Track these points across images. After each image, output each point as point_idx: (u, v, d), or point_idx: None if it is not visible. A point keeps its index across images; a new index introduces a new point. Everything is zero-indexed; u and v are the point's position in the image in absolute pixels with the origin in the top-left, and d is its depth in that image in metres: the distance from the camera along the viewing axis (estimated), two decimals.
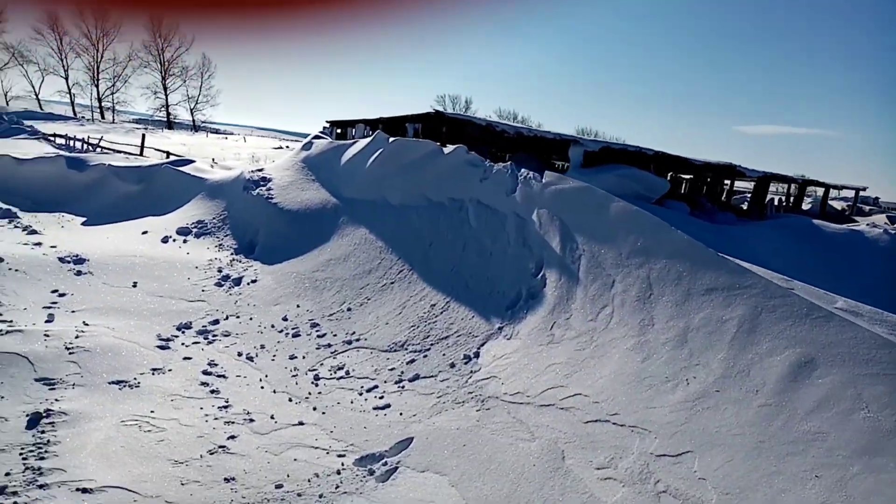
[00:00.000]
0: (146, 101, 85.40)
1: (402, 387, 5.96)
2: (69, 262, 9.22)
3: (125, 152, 26.62)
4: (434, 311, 7.29)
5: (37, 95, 78.31)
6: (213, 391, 5.93)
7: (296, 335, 7.50)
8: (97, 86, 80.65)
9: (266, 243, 10.97)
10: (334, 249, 9.69)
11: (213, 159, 30.54)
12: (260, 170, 14.12)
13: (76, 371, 5.80)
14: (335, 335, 7.38)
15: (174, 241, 11.46)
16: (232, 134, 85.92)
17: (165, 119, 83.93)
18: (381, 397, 5.84)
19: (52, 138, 31.71)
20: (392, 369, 6.36)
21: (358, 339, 7.15)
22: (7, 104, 71.98)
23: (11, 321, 6.77)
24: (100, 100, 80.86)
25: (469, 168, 9.21)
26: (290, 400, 5.88)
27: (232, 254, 10.85)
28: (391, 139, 11.03)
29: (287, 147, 70.58)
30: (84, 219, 15.05)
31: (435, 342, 6.68)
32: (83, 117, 69.68)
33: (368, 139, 11.79)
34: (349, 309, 7.96)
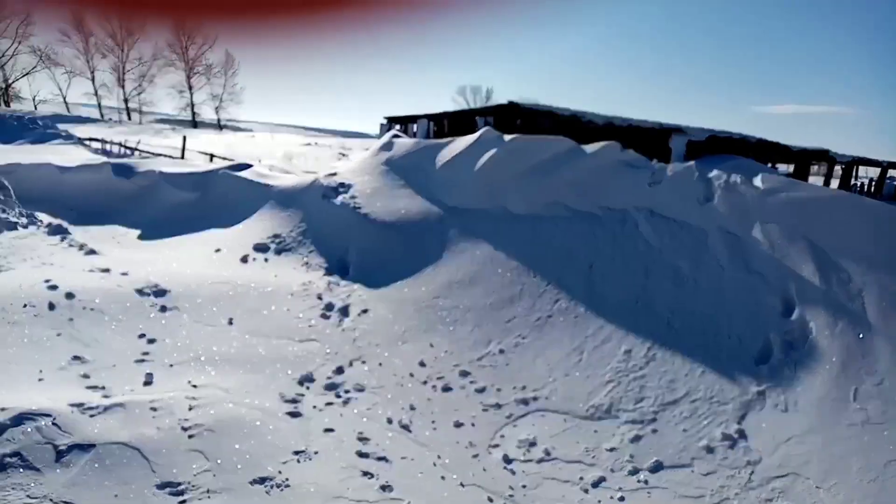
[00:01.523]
0: (171, 100, 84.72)
1: (644, 481, 4.43)
2: (149, 294, 7.83)
3: (166, 155, 25.36)
4: (634, 359, 5.75)
5: (64, 98, 77.99)
6: (383, 487, 4.45)
7: (446, 389, 6.00)
8: (123, 86, 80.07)
9: (361, 262, 9.50)
10: (452, 270, 8.18)
11: (259, 160, 29.26)
12: (333, 174, 12.65)
13: (205, 466, 4.36)
14: (499, 390, 5.87)
15: (254, 260, 10.03)
16: (250, 131, 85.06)
17: (191, 118, 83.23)
18: (622, 499, 4.30)
19: (87, 143, 30.66)
20: (612, 449, 4.83)
21: (535, 398, 5.64)
22: (35, 108, 71.68)
23: (104, 387, 5.37)
24: (126, 100, 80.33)
25: (627, 170, 7.66)
26: (491, 501, 4.37)
27: (324, 274, 9.39)
28: (508, 137, 9.47)
29: (316, 144, 69.32)
30: (138, 232, 13.76)
31: (659, 409, 5.15)
32: (110, 119, 69.18)
33: (472, 137, 10.24)
34: (501, 351, 6.45)
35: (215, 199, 14.49)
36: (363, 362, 6.59)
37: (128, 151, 27.52)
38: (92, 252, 10.43)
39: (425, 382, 6.10)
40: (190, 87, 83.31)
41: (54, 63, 74.86)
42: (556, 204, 8.18)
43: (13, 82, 74.70)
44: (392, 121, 19.36)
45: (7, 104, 71.09)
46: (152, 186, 16.26)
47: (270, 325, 7.42)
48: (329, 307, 8.08)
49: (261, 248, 10.58)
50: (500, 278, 7.52)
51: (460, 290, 7.65)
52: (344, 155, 55.94)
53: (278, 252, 10.41)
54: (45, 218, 13.78)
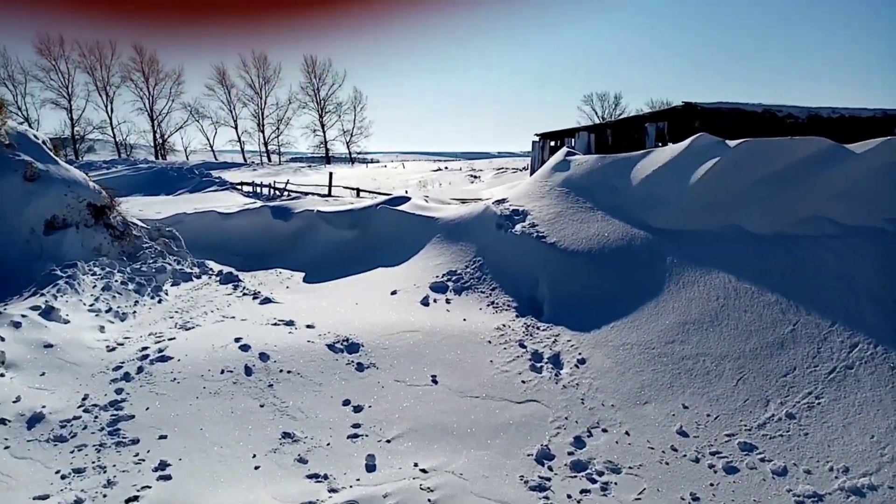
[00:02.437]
0: (306, 139, 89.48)
1: None
2: (342, 350, 7.14)
3: (315, 193, 25.82)
4: None
5: (211, 146, 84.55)
6: None
7: (730, 469, 4.67)
8: (263, 131, 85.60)
9: (556, 299, 8.36)
10: (683, 307, 6.82)
11: (406, 189, 29.30)
12: (503, 200, 11.70)
13: None
14: (808, 472, 4.45)
15: (435, 301, 9.20)
16: (378, 162, 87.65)
17: (324, 154, 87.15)
18: None
19: (239, 187, 32.18)
20: None
21: (869, 485, 4.17)
22: (187, 158, 78.15)
23: (327, 476, 4.56)
24: (266, 144, 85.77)
25: None
26: None
27: (517, 315, 8.35)
28: (733, 142, 8.02)
29: (446, 168, 69.90)
30: (302, 274, 13.52)
31: None
32: (253, 162, 73.78)
33: (680, 146, 8.86)
34: (791, 416, 5.02)
35: (376, 235, 14.04)
36: (604, 430, 5.40)
37: (278, 193, 28.45)
38: (267, 301, 10.11)
39: (697, 460, 4.79)
40: (322, 126, 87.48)
41: (202, 116, 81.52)
42: (815, 219, 6.64)
43: (168, 136, 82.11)
44: (545, 137, 18.25)
45: (164, 157, 78.13)
46: (310, 226, 16.20)
47: (478, 382, 6.44)
48: (537, 357, 7.00)
49: (439, 287, 9.76)
50: (757, 317, 6.07)
51: (702, 332, 6.27)
52: (476, 177, 55.66)
53: (458, 291, 9.53)
54: (214, 266, 13.94)
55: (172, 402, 5.86)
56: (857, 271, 6.03)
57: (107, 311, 9.31)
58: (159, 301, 10.51)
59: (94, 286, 10.22)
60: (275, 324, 8.33)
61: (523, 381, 6.40)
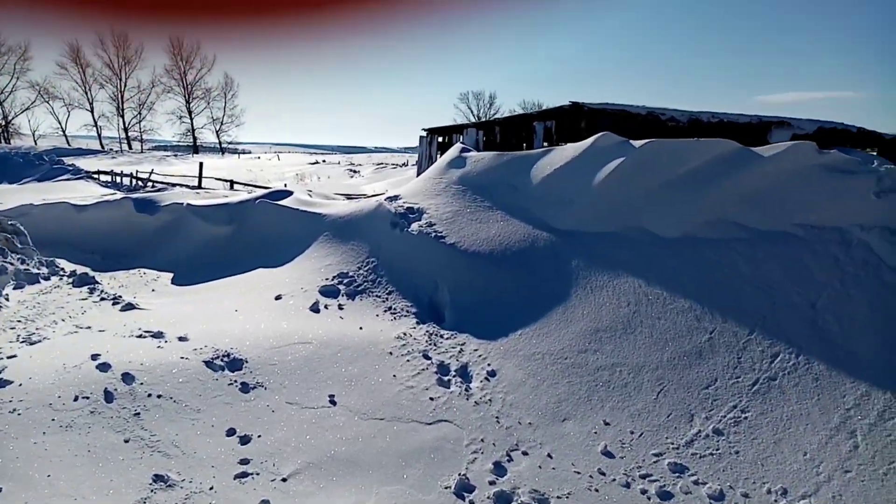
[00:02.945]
0: (171, 126, 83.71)
1: None
2: (221, 366, 6.24)
3: (184, 185, 23.82)
4: None
5: (64, 131, 76.95)
6: None
7: (665, 495, 4.37)
8: (123, 116, 79.02)
9: (458, 303, 7.90)
10: (593, 313, 6.56)
11: (283, 182, 27.70)
12: (395, 197, 11.07)
13: None
14: (746, 496, 4.23)
15: (326, 307, 8.43)
16: (250, 153, 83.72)
17: (192, 143, 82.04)
18: None
19: (96, 176, 29.20)
20: None
21: None
22: (35, 143, 70.56)
23: None
24: (126, 130, 79.33)
25: (831, 176, 6.04)
26: None
27: (416, 322, 7.79)
28: (638, 142, 7.87)
29: (323, 161, 67.88)
30: (171, 275, 12.22)
31: None
32: (111, 149, 67.95)
33: (582, 145, 8.63)
34: (718, 431, 4.82)
35: (255, 233, 12.95)
36: (524, 453, 4.96)
37: (140, 183, 26.01)
38: (130, 307, 8.91)
39: (628, 485, 4.46)
40: (190, 112, 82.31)
41: (53, 97, 73.88)
42: (723, 223, 6.60)
43: (13, 118, 73.72)
44: (433, 132, 17.82)
45: (8, 141, 70.12)
46: (179, 221, 14.76)
47: (381, 401, 5.82)
48: (443, 369, 6.47)
49: (329, 291, 8.99)
50: (671, 324, 5.89)
51: (615, 340, 6.02)
52: (355, 171, 54.49)
53: (351, 296, 8.82)
54: (66, 265, 12.32)
55: (10, 442, 4.75)
56: (771, 277, 6.03)
57: None
58: None
59: None
60: (140, 336, 7.22)
61: (431, 399, 5.85)
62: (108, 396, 5.50)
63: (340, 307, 8.39)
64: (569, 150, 8.74)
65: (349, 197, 17.07)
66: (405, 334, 7.32)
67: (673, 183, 7.27)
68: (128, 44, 77.75)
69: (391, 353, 6.82)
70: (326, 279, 9.38)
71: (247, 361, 6.36)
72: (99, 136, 78.30)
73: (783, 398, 4.94)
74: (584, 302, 6.73)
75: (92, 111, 77.44)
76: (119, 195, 18.01)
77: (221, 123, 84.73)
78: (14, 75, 72.58)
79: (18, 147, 54.83)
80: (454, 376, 6.28)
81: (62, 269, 11.85)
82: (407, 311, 8.09)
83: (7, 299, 9.53)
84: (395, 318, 7.94)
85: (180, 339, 7.01)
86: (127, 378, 5.79)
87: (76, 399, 5.37)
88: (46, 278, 11.10)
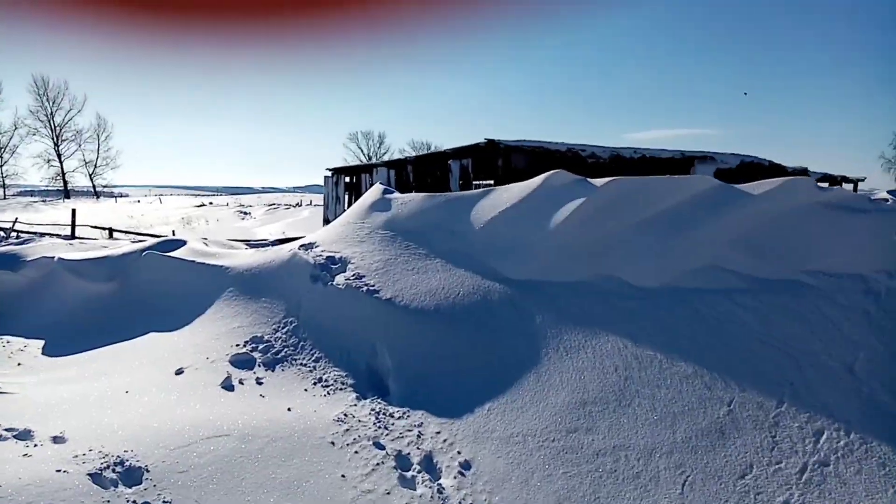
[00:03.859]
0: (38, 170, 76.68)
1: None
2: (114, 481, 4.71)
3: (55, 234, 21.03)
4: None
5: None
6: None
7: None
8: None
9: (405, 371, 6.72)
10: (572, 381, 5.59)
11: (170, 228, 25.23)
12: (310, 245, 9.75)
13: None
14: None
15: (242, 383, 6.98)
16: (127, 196, 78.25)
17: (62, 188, 75.63)
18: None
19: None
20: None
21: None
22: None
23: None
24: None
25: (839, 216, 5.43)
26: None
27: (356, 397, 6.52)
28: (600, 181, 7.07)
29: (211, 203, 64.38)
30: (41, 343, 10.23)
31: None
32: None
33: (531, 184, 7.74)
34: None
35: (144, 290, 11.14)
36: None
37: (2, 234, 22.80)
38: None
39: None
40: (59, 156, 76.05)
41: None
42: (713, 270, 5.87)
43: None
44: (339, 172, 16.66)
45: None
46: (50, 279, 12.60)
47: None
48: (403, 462, 5.24)
49: (243, 362, 7.52)
50: (676, 394, 5.00)
51: (609, 415, 5.05)
52: (246, 213, 51.92)
53: (270, 366, 7.41)
54: None
55: None
56: (788, 334, 5.31)
57: None
58: None
59: None
60: (2, 439, 5.50)
61: None
62: None
63: (259, 381, 6.97)
64: (514, 191, 7.86)
65: (248, 244, 15.44)
66: (346, 415, 6.03)
67: (645, 225, 6.54)
68: None
69: (333, 444, 5.51)
70: (237, 346, 7.91)
71: (147, 470, 4.86)
72: None
73: (846, 490, 4.12)
74: (559, 367, 5.75)
75: None
76: None
77: (95, 166, 78.84)
78: None
79: None
80: (418, 472, 5.07)
81: None
82: (342, 383, 6.80)
83: None
84: (328, 393, 6.63)
85: (55, 439, 5.39)
86: None
87: None
88: None
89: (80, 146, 78.08)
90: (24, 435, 5.51)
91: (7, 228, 23.79)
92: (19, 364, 8.93)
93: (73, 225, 22.46)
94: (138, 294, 11.03)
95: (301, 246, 9.78)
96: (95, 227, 23.27)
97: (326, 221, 16.67)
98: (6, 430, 5.66)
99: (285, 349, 7.69)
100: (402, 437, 5.58)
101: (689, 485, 4.31)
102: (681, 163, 12.14)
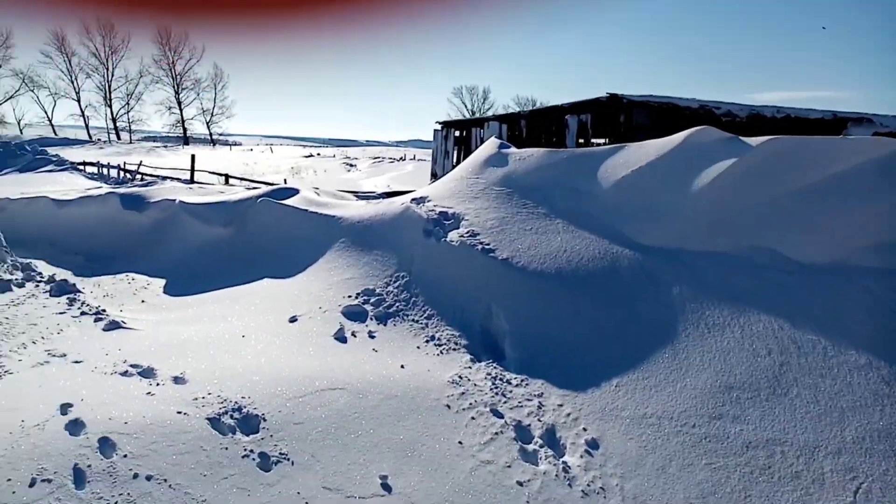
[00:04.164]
0: (161, 117, 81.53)
1: None
2: (232, 428, 4.65)
3: (175, 178, 22.04)
4: None
5: (50, 121, 74.56)
6: None
7: None
8: (110, 106, 76.76)
9: (523, 336, 6.33)
10: (716, 362, 5.01)
11: (281, 176, 25.91)
12: (422, 199, 9.46)
13: None
14: None
15: (355, 335, 6.84)
16: (241, 145, 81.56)
17: (182, 135, 79.93)
18: None
19: (81, 167, 27.35)
20: None
21: None
22: (21, 132, 68.27)
23: None
24: (114, 120, 77.07)
25: None
26: None
27: (471, 359, 6.21)
28: (755, 140, 6.32)
29: (318, 154, 66.03)
30: (163, 282, 10.60)
31: None
32: (99, 139, 65.91)
33: (672, 140, 7.06)
34: None
35: (259, 236, 11.31)
36: None
37: (129, 176, 24.18)
38: (115, 325, 7.35)
39: None
40: (179, 104, 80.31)
41: (38, 85, 71.48)
42: (891, 247, 5.08)
43: None
44: (449, 126, 16.25)
45: None
46: (171, 220, 13.09)
47: (452, 486, 4.24)
48: (523, 434, 4.90)
49: (355, 314, 7.40)
50: (844, 386, 4.35)
51: (761, 404, 4.47)
52: (352, 165, 52.84)
53: (382, 320, 7.24)
54: (44, 268, 10.69)
55: None
56: None
57: None
58: None
59: None
60: (125, 372, 5.63)
61: (519, 484, 4.28)
62: (79, 478, 3.91)
63: (371, 335, 6.81)
64: (650, 148, 7.18)
65: (358, 196, 15.45)
66: (461, 378, 5.75)
67: (810, 192, 5.74)
68: (114, 33, 75.50)
69: (449, 407, 5.24)
70: (349, 297, 7.80)
71: (264, 419, 4.77)
72: (86, 126, 75.97)
73: None
74: (700, 345, 5.18)
75: (79, 101, 75.11)
76: (105, 189, 16.35)
77: (212, 115, 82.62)
78: None
79: (0, 136, 52.71)
80: (541, 446, 4.71)
81: (39, 273, 10.26)
82: (455, 343, 6.51)
83: None
84: (441, 353, 6.37)
85: (176, 379, 5.42)
86: (105, 446, 4.20)
87: (32, 484, 3.77)
88: (20, 285, 9.50)
89: (198, 95, 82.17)
90: (147, 373, 5.60)
91: (133, 171, 25.22)
92: (143, 301, 9.28)
93: (193, 170, 23.45)
94: (253, 239, 11.22)
95: (413, 199, 9.52)
96: (212, 173, 24.21)
97: (434, 176, 16.35)
98: (132, 366, 5.78)
99: (397, 304, 7.50)
100: (522, 406, 5.24)
101: (863, 493, 3.70)
102: (831, 124, 10.86)
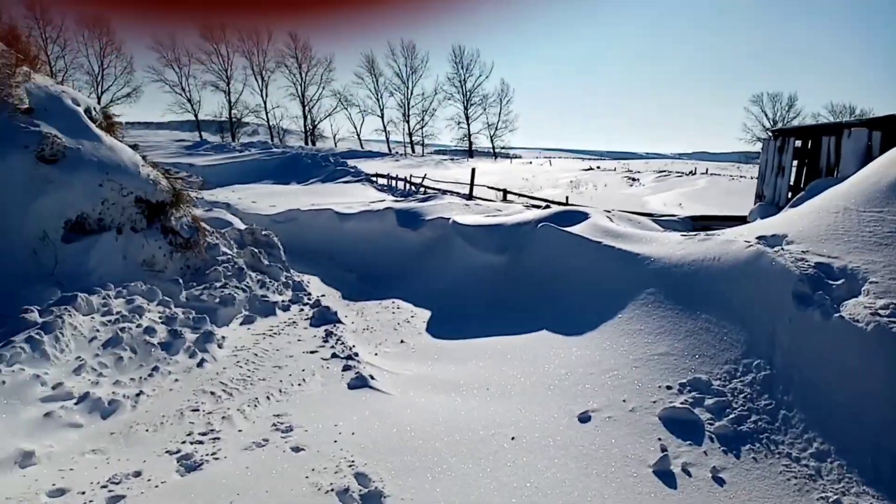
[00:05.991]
0: (450, 132, 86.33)
1: None
2: None
3: (454, 192, 21.31)
4: None
5: (358, 135, 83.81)
6: None
7: None
8: (408, 121, 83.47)
9: None
10: None
11: (559, 191, 24.06)
12: (778, 239, 6.32)
13: None
14: None
15: (688, 473, 4.24)
16: (519, 157, 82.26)
17: (467, 148, 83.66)
18: None
19: (374, 179, 28.66)
20: None
21: None
22: (335, 145, 77.76)
23: None
24: (410, 135, 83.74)
25: None
26: None
27: None
28: None
29: (598, 168, 63.30)
30: (427, 315, 9.14)
31: None
32: (396, 153, 71.68)
33: None
34: None
35: (537, 269, 9.20)
36: None
37: (413, 188, 24.39)
38: (362, 383, 5.90)
39: None
40: (467, 118, 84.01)
41: (350, 104, 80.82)
42: None
43: (318, 123, 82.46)
44: (785, 134, 12.47)
45: (313, 143, 78.27)
46: (444, 241, 11.70)
47: None
48: None
49: (681, 423, 4.76)
50: None
51: None
52: (634, 179, 49.00)
53: (730, 443, 4.51)
54: (314, 287, 9.98)
55: None
56: None
57: (80, 400, 5.35)
58: (199, 364, 6.47)
59: (94, 338, 6.32)
60: (330, 489, 3.82)
61: None
62: None
63: (717, 478, 4.12)
64: None
65: (656, 220, 12.54)
66: None
67: None
68: (415, 53, 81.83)
69: None
70: (668, 388, 5.19)
71: None
72: (387, 139, 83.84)
73: None
74: None
75: (382, 117, 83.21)
76: (387, 202, 15.93)
77: (496, 129, 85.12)
78: (321, 85, 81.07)
79: (319, 149, 59.97)
80: None
81: (308, 294, 9.61)
82: None
83: (220, 345, 7.10)
84: None
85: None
86: None
87: None
88: (286, 308, 8.79)
89: (485, 110, 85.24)
90: (371, 496, 3.72)
91: (417, 183, 25.46)
92: (402, 342, 7.80)
93: (472, 184, 22.47)
94: (531, 273, 9.15)
95: (760, 238, 6.49)
96: (491, 188, 23.15)
97: (759, 197, 12.65)
98: (356, 475, 4.01)
99: (753, 415, 4.68)
100: None
101: None
102: None
